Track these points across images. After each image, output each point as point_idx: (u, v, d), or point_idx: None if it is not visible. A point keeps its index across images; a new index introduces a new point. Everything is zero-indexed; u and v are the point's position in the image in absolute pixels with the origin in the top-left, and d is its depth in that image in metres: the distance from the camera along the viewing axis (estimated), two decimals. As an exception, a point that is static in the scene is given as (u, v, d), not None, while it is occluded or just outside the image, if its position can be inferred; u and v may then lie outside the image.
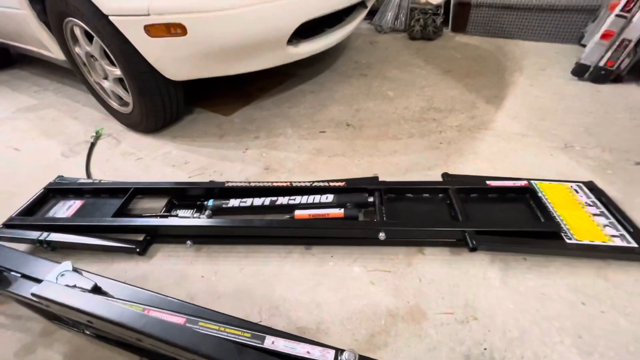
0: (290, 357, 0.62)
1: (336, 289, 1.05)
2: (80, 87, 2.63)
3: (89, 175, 1.65)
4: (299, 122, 1.94)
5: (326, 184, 1.29)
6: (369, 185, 1.27)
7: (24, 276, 0.78)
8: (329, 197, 1.25)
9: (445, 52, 2.73)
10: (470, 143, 1.67)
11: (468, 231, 1.07)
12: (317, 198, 1.25)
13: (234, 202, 1.30)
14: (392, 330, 0.93)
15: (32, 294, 0.68)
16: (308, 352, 0.62)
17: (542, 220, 1.13)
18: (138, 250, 1.20)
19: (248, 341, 0.64)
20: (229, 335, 0.64)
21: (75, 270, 0.76)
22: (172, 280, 1.13)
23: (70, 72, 2.24)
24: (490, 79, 2.26)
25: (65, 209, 1.36)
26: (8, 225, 1.27)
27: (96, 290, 0.71)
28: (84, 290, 0.69)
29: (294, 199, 1.26)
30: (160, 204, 1.40)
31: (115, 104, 1.97)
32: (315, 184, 1.29)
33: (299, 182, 1.31)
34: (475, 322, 0.93)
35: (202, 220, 1.23)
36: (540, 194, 1.20)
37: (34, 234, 1.22)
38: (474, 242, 1.03)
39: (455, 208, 1.16)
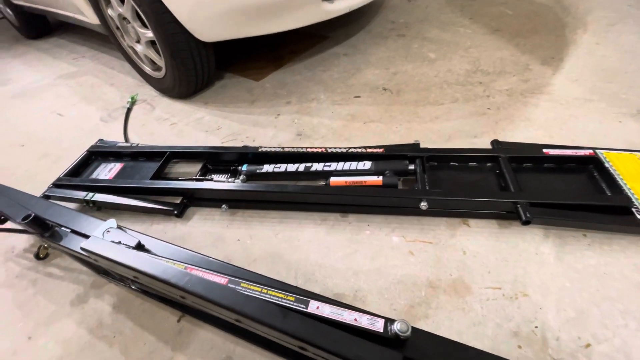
0: (335, 323, 0.60)
1: (373, 257, 1.02)
2: (115, 54, 2.65)
3: (126, 139, 1.69)
4: (332, 86, 1.85)
5: (363, 150, 1.22)
6: (409, 152, 1.19)
7: (74, 232, 0.81)
8: (366, 164, 1.18)
9: (494, 9, 2.45)
10: (522, 109, 1.51)
11: (521, 203, 0.97)
12: (353, 165, 1.19)
13: (267, 168, 1.27)
14: (433, 303, 0.89)
15: (81, 248, 0.70)
16: (355, 320, 0.60)
17: (609, 193, 1.00)
18: (176, 212, 1.22)
19: (292, 305, 0.62)
20: (272, 298, 0.63)
21: (119, 227, 0.77)
22: (209, 242, 1.15)
23: (105, 39, 2.25)
24: (546, 38, 2.01)
25: (107, 171, 1.40)
26: (57, 185, 1.33)
27: (140, 247, 0.73)
28: (128, 246, 0.70)
29: (329, 166, 1.21)
30: (195, 168, 1.41)
31: (148, 69, 1.96)
32: (352, 150, 1.23)
33: (335, 148, 1.25)
34: (526, 299, 0.87)
35: (236, 184, 1.22)
36: (607, 165, 1.07)
37: (81, 194, 1.27)
38: (528, 215, 0.94)
39: (507, 178, 1.06)
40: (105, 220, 0.81)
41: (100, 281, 1.08)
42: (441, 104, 1.60)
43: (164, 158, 1.36)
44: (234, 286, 0.65)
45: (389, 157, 1.19)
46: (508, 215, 1.04)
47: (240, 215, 1.22)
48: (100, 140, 1.56)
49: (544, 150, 1.13)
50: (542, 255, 0.95)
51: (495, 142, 1.23)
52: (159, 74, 1.89)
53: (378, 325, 0.60)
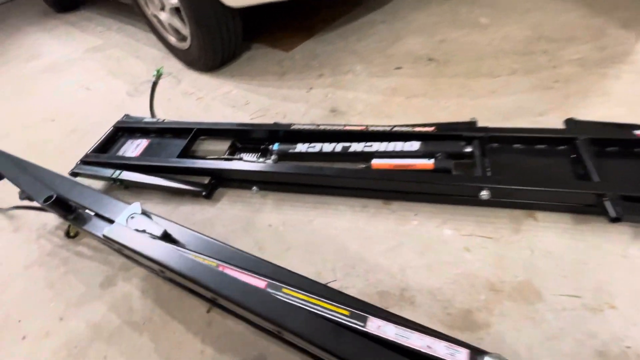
0: (403, 349, 0.48)
1: (422, 252, 0.90)
2: (140, 26, 2.56)
3: (153, 114, 1.62)
4: (368, 57, 1.67)
5: (411, 129, 1.07)
6: (465, 131, 1.03)
7: (97, 215, 0.74)
8: (414, 145, 1.04)
9: (560, -36, 2.10)
10: (598, 82, 1.28)
11: (609, 195, 0.80)
12: (399, 145, 1.05)
13: (301, 147, 1.15)
14: (495, 309, 0.77)
15: (104, 236, 0.63)
16: (429, 347, 0.48)
17: None
18: (204, 193, 1.14)
19: (346, 321, 0.51)
20: (321, 310, 0.53)
21: (144, 213, 0.70)
22: (239, 226, 1.07)
23: (131, 11, 2.16)
24: (627, -4, 1.69)
25: (133, 148, 1.35)
26: (85, 161, 1.29)
27: (166, 237, 0.65)
28: (153, 236, 0.63)
29: (371, 146, 1.07)
30: (223, 146, 1.32)
31: (173, 39, 1.86)
32: (397, 128, 1.08)
33: (377, 126, 1.11)
34: (613, 312, 0.72)
35: (267, 165, 1.12)
36: None
37: (108, 172, 1.23)
38: (619, 210, 0.78)
39: (587, 164, 0.89)
40: (130, 204, 0.74)
41: (129, 264, 1.04)
42: (497, 76, 1.39)
43: (191, 135, 1.28)
44: (274, 291, 0.55)
45: (442, 137, 1.04)
46: (587, 209, 0.87)
47: (271, 198, 1.13)
48: (127, 115, 1.50)
49: (635, 132, 0.94)
50: (632, 259, 0.79)
51: (570, 122, 1.03)
52: (184, 45, 1.78)
53: (460, 358, 0.48)
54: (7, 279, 1.09)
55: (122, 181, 1.22)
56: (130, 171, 1.22)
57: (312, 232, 1.00)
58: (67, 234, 1.14)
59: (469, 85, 1.38)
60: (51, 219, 1.25)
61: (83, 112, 1.82)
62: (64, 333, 0.92)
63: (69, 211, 0.75)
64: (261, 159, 1.18)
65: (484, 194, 0.88)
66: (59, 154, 1.57)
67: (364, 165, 1.07)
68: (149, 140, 1.37)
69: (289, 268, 0.93)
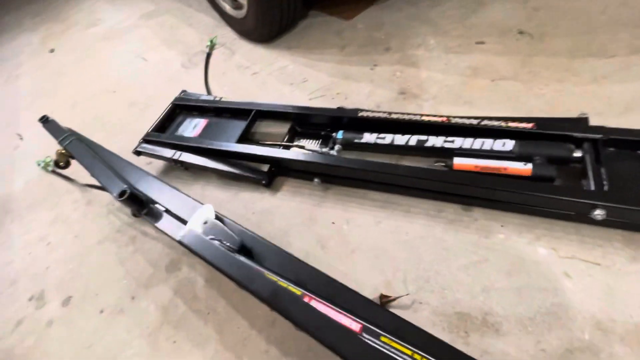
0: None
1: (510, 272, 0.79)
2: (191, -11, 2.47)
3: (208, 91, 1.57)
4: (444, 27, 1.45)
5: (503, 123, 0.91)
6: (575, 131, 0.85)
7: (169, 212, 0.72)
8: (508, 144, 0.89)
9: None
10: None
11: None
12: (487, 143, 0.90)
13: (368, 137, 1.05)
14: (602, 352, 0.66)
15: (179, 242, 0.61)
16: None
17: None
18: (264, 182, 1.10)
19: None
20: None
21: (218, 217, 0.66)
22: (300, 220, 1.02)
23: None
24: None
25: (191, 127, 1.32)
26: (146, 140, 1.29)
27: (243, 250, 0.61)
28: (231, 249, 0.59)
29: (452, 142, 0.94)
30: (281, 128, 1.25)
31: (228, 7, 1.75)
32: (486, 122, 0.93)
33: (461, 117, 0.96)
34: None
35: (332, 157, 1.04)
36: None
37: (169, 152, 1.22)
38: None
39: None
40: (202, 204, 0.71)
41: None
42: (612, 55, 1.14)
43: (250, 118, 1.21)
44: (371, 339, 0.49)
45: (542, 136, 0.87)
46: None
47: (334, 192, 1.06)
48: (184, 92, 1.47)
49: None
50: None
51: None
52: (240, 13, 1.67)
53: None
54: (84, 252, 1.16)
55: (182, 162, 1.21)
56: (189, 153, 1.21)
57: (380, 235, 0.93)
58: (134, 214, 1.18)
59: (573, 67, 1.14)
60: (118, 194, 1.29)
61: (140, 83, 1.82)
62: (136, 312, 0.96)
63: (142, 206, 0.75)
64: (324, 149, 1.09)
65: (599, 213, 0.73)
66: (121, 127, 1.61)
67: (442, 164, 0.94)
68: (207, 120, 1.33)
69: (354, 272, 0.89)
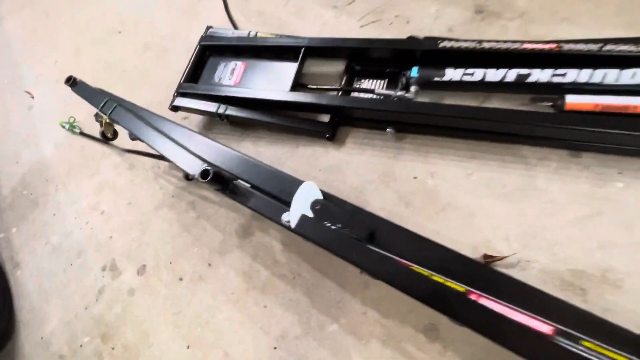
0: None
1: (631, 226, 0.72)
2: None
3: (234, 24, 1.34)
4: None
5: (633, 47, 0.74)
6: None
7: (256, 188, 0.63)
8: (638, 75, 0.73)
9: None
10: None
11: None
12: (611, 74, 0.74)
13: (452, 74, 0.88)
14: None
15: (294, 229, 0.53)
16: None
17: None
18: (328, 135, 0.98)
19: None
20: None
21: (325, 197, 0.57)
22: (375, 176, 0.93)
23: None
24: None
25: (229, 74, 1.15)
26: (181, 93, 1.14)
27: (372, 239, 0.53)
28: (358, 237, 0.51)
29: (563, 74, 0.78)
30: (336, 68, 1.07)
31: None
32: (611, 46, 0.75)
33: (576, 41, 0.78)
34: None
35: (407, 101, 0.89)
36: None
37: (211, 106, 1.08)
38: None
39: None
40: (301, 181, 0.59)
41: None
42: None
43: (300, 58, 1.03)
44: (567, 343, 0.42)
45: (688, 61, 0.71)
46: None
47: (410, 141, 0.94)
48: (210, 28, 1.24)
49: None
50: None
51: None
52: None
53: None
54: (143, 219, 1.12)
55: (228, 117, 1.08)
56: (235, 105, 1.06)
57: (473, 190, 0.84)
58: (187, 177, 1.10)
59: None
60: (161, 156, 1.20)
61: (149, 20, 1.56)
62: (216, 278, 0.96)
63: (227, 185, 0.65)
64: (398, 91, 0.94)
65: None
66: (140, 77, 1.43)
67: (549, 104, 0.80)
68: (245, 63, 1.14)
69: (448, 232, 0.84)
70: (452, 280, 0.44)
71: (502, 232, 0.79)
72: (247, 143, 1.11)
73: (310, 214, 0.54)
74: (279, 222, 0.58)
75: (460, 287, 0.44)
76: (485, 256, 0.76)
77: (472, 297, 0.43)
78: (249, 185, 0.64)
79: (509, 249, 0.77)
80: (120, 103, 0.88)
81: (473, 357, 0.71)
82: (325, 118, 1.00)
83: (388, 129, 0.94)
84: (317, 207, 0.54)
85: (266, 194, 0.62)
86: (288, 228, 0.56)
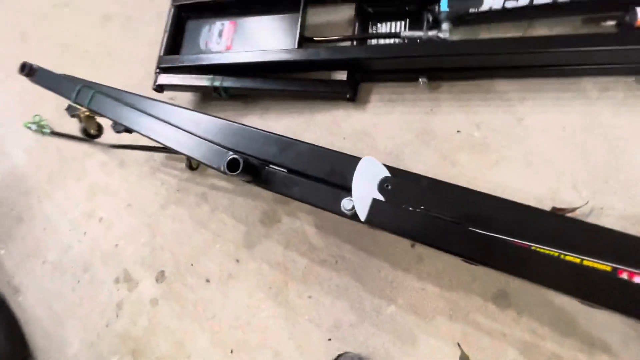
0: None
1: None
2: None
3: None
4: None
5: None
6: None
7: (295, 172, 0.50)
8: None
9: None
10: None
11: None
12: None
13: (492, 1, 0.73)
14: None
15: (368, 221, 0.42)
16: None
17: None
18: (348, 95, 0.84)
19: None
20: None
21: (393, 174, 0.45)
22: (411, 136, 0.81)
23: None
24: None
25: (216, 37, 0.96)
26: (164, 68, 0.95)
27: (471, 219, 0.42)
28: (455, 220, 0.40)
29: (631, -17, 0.65)
30: (344, 12, 0.91)
31: None
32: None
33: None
34: None
35: (441, 42, 0.75)
36: None
37: (204, 80, 0.91)
38: None
39: None
40: (358, 158, 0.46)
41: (284, 198, 0.88)
42: None
43: (302, 7, 0.85)
44: None
45: None
46: None
47: (447, 90, 0.81)
48: (181, -17, 1.02)
49: None
50: None
51: None
52: None
53: None
54: (150, 221, 0.99)
55: (226, 90, 0.91)
56: (231, 75, 0.90)
57: (528, 136, 0.74)
58: (190, 167, 0.96)
59: None
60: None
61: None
62: (248, 274, 0.86)
63: (258, 175, 0.52)
64: (429, 32, 0.79)
65: None
66: (108, 55, 1.21)
67: (614, 22, 0.68)
68: (234, 22, 0.95)
69: (506, 186, 0.74)
70: (589, 258, 0.35)
71: (568, 180, 0.70)
72: (252, 118, 0.96)
73: (380, 197, 0.43)
74: (337, 212, 0.46)
75: (603, 266, 0.35)
76: (555, 209, 0.68)
77: (623, 275, 0.35)
78: (284, 170, 0.52)
79: (578, 198, 0.69)
80: (98, 89, 0.71)
81: (553, 319, 0.66)
82: (342, 75, 0.85)
83: (420, 79, 0.80)
84: (388, 186, 0.43)
85: (310, 178, 0.50)
86: (354, 219, 0.45)
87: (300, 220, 0.85)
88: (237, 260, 0.88)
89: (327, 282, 0.80)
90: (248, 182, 0.52)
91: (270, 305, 0.82)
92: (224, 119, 0.57)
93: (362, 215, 0.43)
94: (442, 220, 0.39)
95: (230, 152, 0.48)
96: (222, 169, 0.48)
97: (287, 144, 0.53)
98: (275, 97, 0.94)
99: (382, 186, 0.43)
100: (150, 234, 0.98)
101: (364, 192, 0.44)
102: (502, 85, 0.78)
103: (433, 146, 0.80)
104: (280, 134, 0.55)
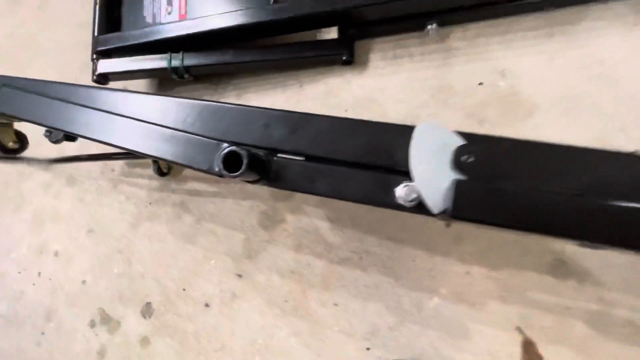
0: None
1: None
2: None
3: None
4: None
5: None
6: None
7: (314, 159, 0.36)
8: None
9: None
10: None
11: None
12: None
13: None
14: None
15: (452, 213, 0.28)
16: None
17: None
18: (345, 57, 0.69)
19: None
20: None
21: (462, 136, 0.32)
22: (427, 96, 0.68)
23: None
24: None
25: (165, 4, 0.75)
26: (103, 53, 0.74)
27: (596, 191, 0.29)
28: (577, 193, 0.28)
29: None
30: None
31: None
32: None
33: None
34: None
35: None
36: None
37: (159, 60, 0.71)
38: None
39: None
40: (411, 126, 0.32)
41: (283, 193, 0.73)
42: None
43: (270, -53, 0.67)
44: None
45: None
46: None
47: (461, 36, 0.68)
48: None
49: None
50: None
51: None
52: None
53: None
54: (122, 246, 0.81)
55: (188, 70, 0.73)
56: (190, 49, 0.71)
57: (562, 77, 0.63)
58: (159, 171, 0.77)
59: None
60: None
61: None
62: (256, 290, 0.72)
63: (267, 170, 0.36)
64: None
65: None
66: (26, 48, 0.96)
67: None
68: (184, -18, 0.75)
69: (545, 137, 0.64)
70: None
71: (615, 122, 0.60)
72: (227, 99, 0.78)
73: (459, 176, 0.30)
74: (391, 205, 0.33)
75: None
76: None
77: None
78: (302, 158, 0.37)
79: (629, 142, 0.60)
80: (5, 82, 0.50)
81: (620, 283, 0.58)
82: (332, 33, 0.70)
83: (429, 25, 0.66)
84: (470, 159, 0.30)
85: (340, 164, 0.35)
86: (419, 212, 0.32)
87: (309, 216, 0.71)
88: (240, 275, 0.73)
89: (354, 283, 0.67)
90: (253, 182, 0.37)
91: (290, 322, 0.69)
92: (204, 100, 0.40)
93: (437, 206, 0.30)
94: (564, 196, 0.27)
95: (225, 144, 0.32)
96: (216, 169, 0.32)
97: (300, 121, 0.37)
98: (253, 71, 0.76)
99: (459, 160, 0.30)
100: (124, 261, 0.80)
101: (430, 172, 0.31)
102: (524, 22, 0.66)
103: (453, 105, 0.67)
104: (287, 110, 0.40)
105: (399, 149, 0.33)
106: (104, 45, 0.73)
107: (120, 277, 0.80)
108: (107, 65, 0.74)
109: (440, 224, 0.66)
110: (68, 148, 0.81)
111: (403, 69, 0.70)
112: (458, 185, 0.29)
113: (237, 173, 0.32)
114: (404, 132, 0.32)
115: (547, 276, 0.61)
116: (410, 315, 0.65)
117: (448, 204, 0.30)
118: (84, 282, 0.82)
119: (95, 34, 0.75)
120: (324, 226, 0.70)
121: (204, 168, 0.36)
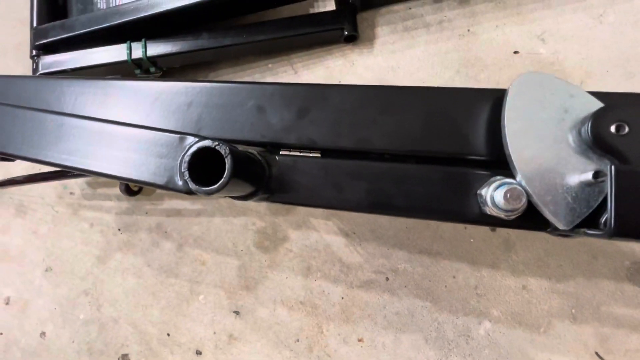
0: None
1: None
2: None
3: None
4: None
5: None
6: None
7: (332, 152, 0.23)
8: None
9: None
10: None
11: None
12: None
13: None
14: None
15: (614, 232, 0.16)
16: None
17: None
18: (346, 34, 0.56)
19: None
20: None
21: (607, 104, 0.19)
22: (452, 72, 0.56)
23: None
24: None
25: (120, -14, 0.62)
26: (46, 46, 0.59)
27: None
28: None
29: None
30: None
31: None
32: None
33: None
34: None
35: None
36: None
37: (116, 51, 0.57)
38: None
39: None
40: (501, 90, 0.20)
41: (277, 206, 0.59)
42: None
43: None
44: None
45: None
46: None
47: (486, 2, 0.56)
48: None
49: None
50: None
51: None
52: None
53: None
54: (89, 285, 0.65)
55: (154, 62, 0.59)
56: (153, 36, 0.57)
57: (616, 36, 0.52)
58: (128, 190, 0.62)
59: None
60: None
61: None
62: (259, 328, 0.57)
63: (264, 177, 0.23)
64: None
65: None
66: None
67: None
68: (141, -44, 0.62)
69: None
70: None
71: (689, 86, 0.50)
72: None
73: (604, 161, 0.18)
74: (473, 218, 0.19)
75: None
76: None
77: None
78: (317, 154, 0.24)
79: None
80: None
81: None
82: (329, 5, 0.57)
83: (447, -14, 0.54)
84: (625, 129, 0.17)
85: (377, 159, 0.22)
86: (528, 226, 0.19)
87: (318, 231, 0.57)
88: (237, 312, 0.58)
89: (381, 311, 0.54)
90: (244, 198, 0.23)
91: (306, 365, 0.55)
92: (162, 80, 0.26)
93: (567, 216, 0.17)
94: None
95: (190, 139, 0.19)
96: (179, 183, 0.19)
97: (311, 96, 0.24)
98: (235, 57, 0.63)
99: (603, 133, 0.17)
100: (91, 304, 0.64)
101: (546, 157, 0.18)
102: (561, -26, 0.54)
103: (485, 79, 0.55)
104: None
105: (481, 127, 0.19)
106: (46, 38, 0.59)
107: (88, 325, 0.64)
108: (51, 61, 0.59)
109: (484, 229, 0.53)
110: (14, 168, 0.66)
111: (419, 42, 0.58)
112: (618, 179, 0.16)
113: (216, 186, 0.18)
114: (487, 99, 0.19)
115: (627, 284, 0.49)
116: (457, 347, 0.51)
117: (587, 212, 0.17)
118: (43, 334, 0.66)
119: (34, 24, 0.60)
120: (337, 242, 0.57)
121: (160, 183, 0.22)
